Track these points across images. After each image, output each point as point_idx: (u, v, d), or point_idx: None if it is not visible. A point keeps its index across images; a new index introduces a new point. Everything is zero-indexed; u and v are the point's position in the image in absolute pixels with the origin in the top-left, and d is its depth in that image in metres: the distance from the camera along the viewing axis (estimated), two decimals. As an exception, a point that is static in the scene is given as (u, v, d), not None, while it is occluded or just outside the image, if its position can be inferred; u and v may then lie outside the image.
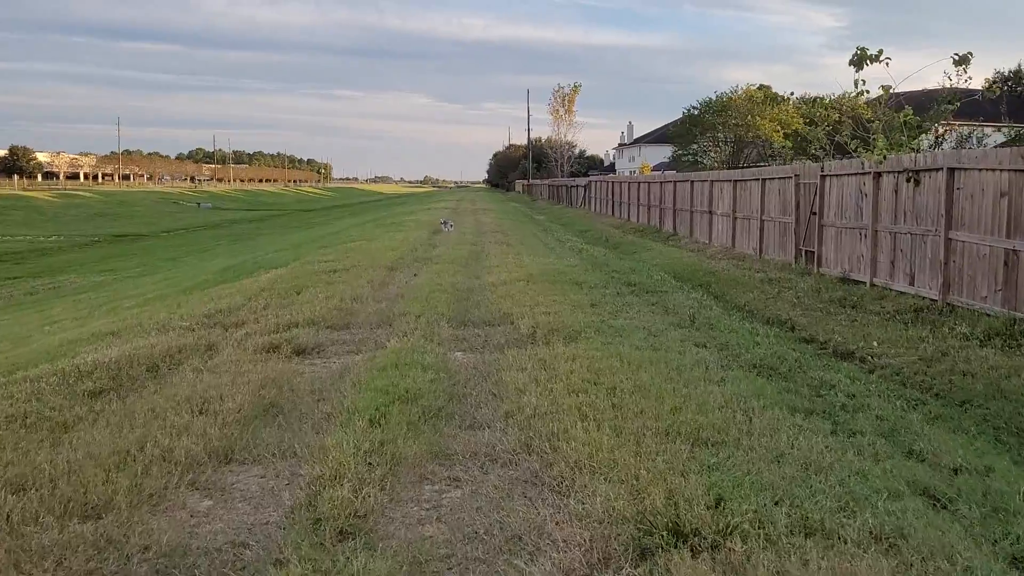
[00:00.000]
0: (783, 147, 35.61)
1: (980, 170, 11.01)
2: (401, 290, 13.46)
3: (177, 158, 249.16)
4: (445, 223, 30.89)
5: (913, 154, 12.94)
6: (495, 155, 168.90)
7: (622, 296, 13.06)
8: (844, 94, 17.80)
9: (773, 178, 18.74)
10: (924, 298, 12.22)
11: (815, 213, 16.27)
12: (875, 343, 10.21)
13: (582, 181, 56.68)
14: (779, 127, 45.15)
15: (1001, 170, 10.56)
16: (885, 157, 13.50)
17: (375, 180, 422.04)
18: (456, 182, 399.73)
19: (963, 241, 11.38)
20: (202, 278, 21.15)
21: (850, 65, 15.38)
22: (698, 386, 6.77)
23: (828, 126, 22.17)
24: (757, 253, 19.36)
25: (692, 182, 25.77)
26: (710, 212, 23.54)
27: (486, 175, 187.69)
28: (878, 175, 13.83)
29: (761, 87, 46.99)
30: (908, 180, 12.76)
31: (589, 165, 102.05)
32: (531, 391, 6.53)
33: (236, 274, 19.34)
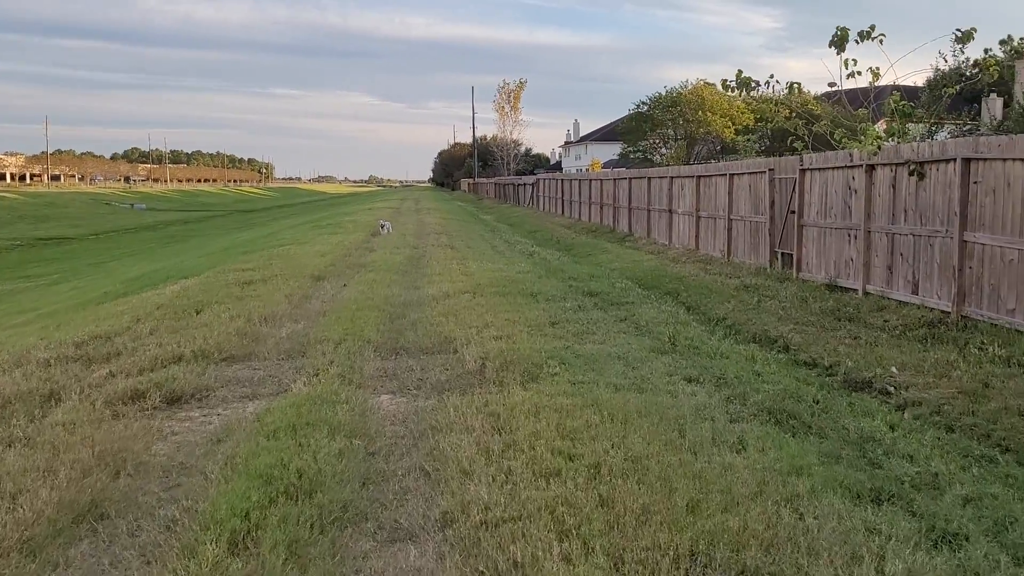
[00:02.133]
0: (737, 141, 34.19)
1: (1005, 160, 9.37)
2: (325, 306, 11.37)
3: (112, 158, 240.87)
4: (383, 225, 28.71)
5: (915, 143, 11.31)
6: (440, 154, 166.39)
7: (585, 310, 11.16)
8: (791, 89, 16.17)
9: (743, 173, 17.06)
10: (932, 310, 10.56)
11: (794, 211, 14.60)
12: (894, 368, 8.46)
13: (529, 179, 54.83)
14: (730, 123, 44.03)
15: (1033, 160, 8.93)
16: (880, 147, 11.84)
17: (319, 180, 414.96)
18: (402, 181, 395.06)
19: (983, 244, 9.74)
20: (107, 289, 18.72)
21: (830, 47, 13.72)
22: (712, 456, 4.87)
23: (777, 124, 20.46)
24: (725, 256, 17.67)
25: (649, 179, 24.05)
26: (670, 211, 21.83)
27: (431, 174, 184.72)
28: (871, 168, 12.17)
29: (707, 85, 45.77)
30: (911, 173, 11.10)
31: (535, 163, 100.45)
32: (480, 473, 4.56)
33: (143, 285, 17.00)
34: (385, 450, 5.17)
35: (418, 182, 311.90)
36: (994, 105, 30.24)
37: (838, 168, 13.20)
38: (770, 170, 15.62)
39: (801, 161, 14.37)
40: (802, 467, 4.77)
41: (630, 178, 26.26)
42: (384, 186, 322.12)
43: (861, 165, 12.34)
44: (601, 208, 30.45)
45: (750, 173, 16.68)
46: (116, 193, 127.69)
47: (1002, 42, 35.11)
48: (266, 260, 17.53)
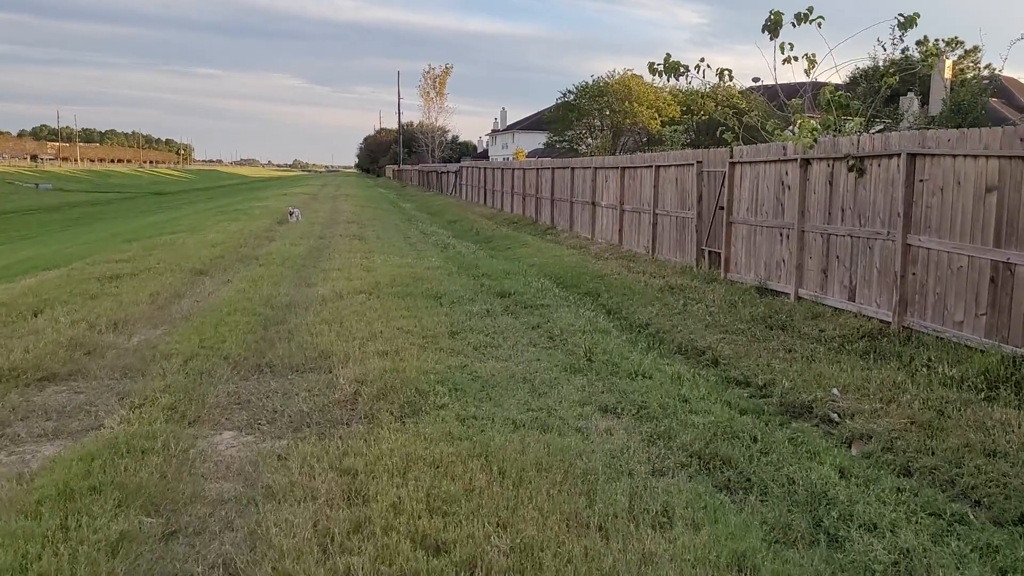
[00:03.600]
0: (663, 133, 33.38)
1: (955, 156, 8.46)
2: (196, 307, 9.86)
3: (19, 135, 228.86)
4: (292, 212, 26.96)
5: (855, 136, 10.37)
6: (366, 139, 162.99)
7: (494, 316, 9.91)
8: (722, 76, 15.15)
9: (669, 165, 16.04)
10: (871, 319, 9.65)
11: (722, 208, 13.62)
12: (835, 390, 7.45)
13: (453, 167, 53.30)
14: (656, 114, 43.38)
15: (988, 156, 8.02)
16: (816, 140, 10.88)
17: (241, 163, 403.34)
18: (327, 167, 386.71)
19: (928, 248, 8.84)
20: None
21: (763, 31, 12.72)
22: (628, 539, 3.68)
23: (704, 116, 19.48)
24: (649, 252, 16.65)
25: (573, 169, 22.93)
26: (593, 203, 20.74)
27: (356, 160, 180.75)
28: (806, 162, 11.22)
29: (634, 76, 45.07)
30: (850, 169, 10.17)
31: (462, 151, 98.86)
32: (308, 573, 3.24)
33: (1, 277, 15.06)
34: (191, 529, 3.81)
35: (344, 168, 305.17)
36: (912, 104, 30.10)
37: (770, 162, 12.24)
38: (698, 163, 14.62)
39: (731, 154, 13.38)
40: (746, 554, 3.60)
41: (553, 168, 25.11)
42: (309, 171, 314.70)
43: (795, 159, 11.38)
44: (524, 199, 29.27)
45: (677, 165, 15.67)
46: (20, 172, 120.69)
47: (919, 42, 35.09)
48: (147, 250, 15.77)
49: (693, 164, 14.70)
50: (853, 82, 31.02)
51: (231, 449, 5.06)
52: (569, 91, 48.73)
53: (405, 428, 5.11)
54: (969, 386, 7.21)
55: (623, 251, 17.87)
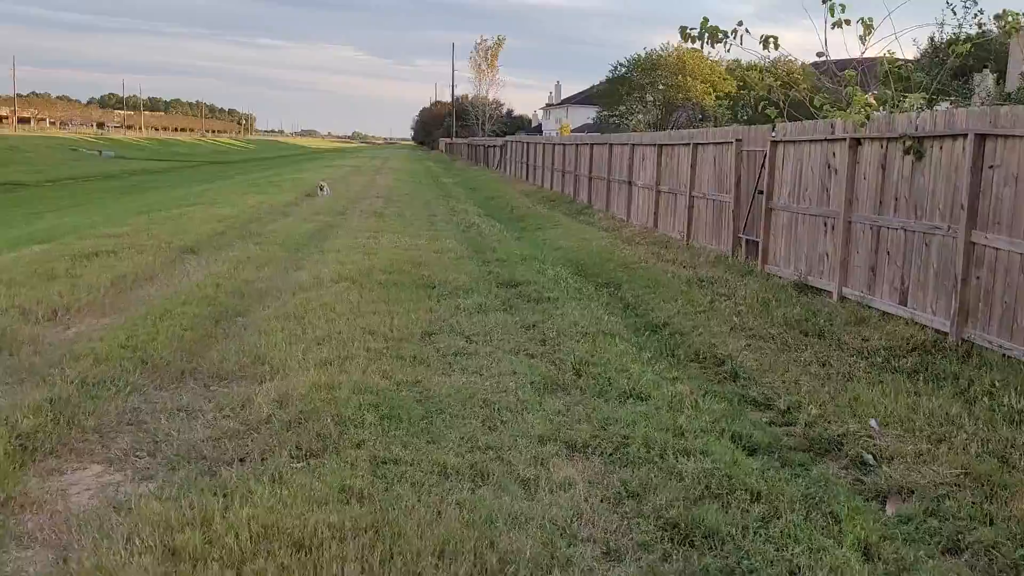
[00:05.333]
0: (716, 108, 31.61)
1: (1035, 139, 6.98)
2: (156, 294, 8.90)
3: (87, 104, 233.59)
4: (322, 186, 26.09)
5: (914, 113, 8.90)
6: (421, 112, 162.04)
7: (486, 312, 8.74)
8: (767, 44, 13.46)
9: (708, 143, 14.59)
10: (925, 328, 8.23)
11: (762, 192, 12.17)
12: (873, 421, 6.13)
13: (499, 141, 51.97)
14: (711, 89, 41.43)
15: (1077, 140, 6.54)
16: (868, 117, 9.41)
17: (301, 134, 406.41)
18: (386, 139, 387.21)
19: (996, 248, 7.38)
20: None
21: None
22: None
23: (763, 92, 17.87)
24: (684, 238, 15.26)
25: (611, 145, 21.51)
26: (629, 183, 19.34)
27: (412, 133, 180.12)
28: (856, 142, 9.75)
29: (690, 49, 42.95)
30: (906, 151, 8.69)
31: (517, 126, 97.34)
32: None
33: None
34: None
35: (402, 140, 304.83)
36: (987, 81, 27.78)
37: (816, 141, 10.77)
38: (737, 140, 13.17)
39: (773, 131, 11.92)
40: None
41: (592, 144, 23.72)
42: (367, 143, 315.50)
43: (844, 139, 9.92)
44: (563, 176, 27.93)
45: (715, 144, 14.22)
46: (85, 140, 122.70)
47: (997, 17, 32.32)
48: (148, 224, 14.94)
49: (732, 142, 13.26)
50: (935, 49, 28.71)
51: (80, 495, 4.02)
52: (621, 64, 47.00)
53: (286, 481, 3.98)
54: (1042, 424, 5.82)
55: (656, 236, 16.50)
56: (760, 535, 4.02)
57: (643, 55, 44.43)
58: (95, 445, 4.64)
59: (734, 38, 10.86)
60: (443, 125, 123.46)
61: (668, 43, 45.25)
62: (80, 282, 9.00)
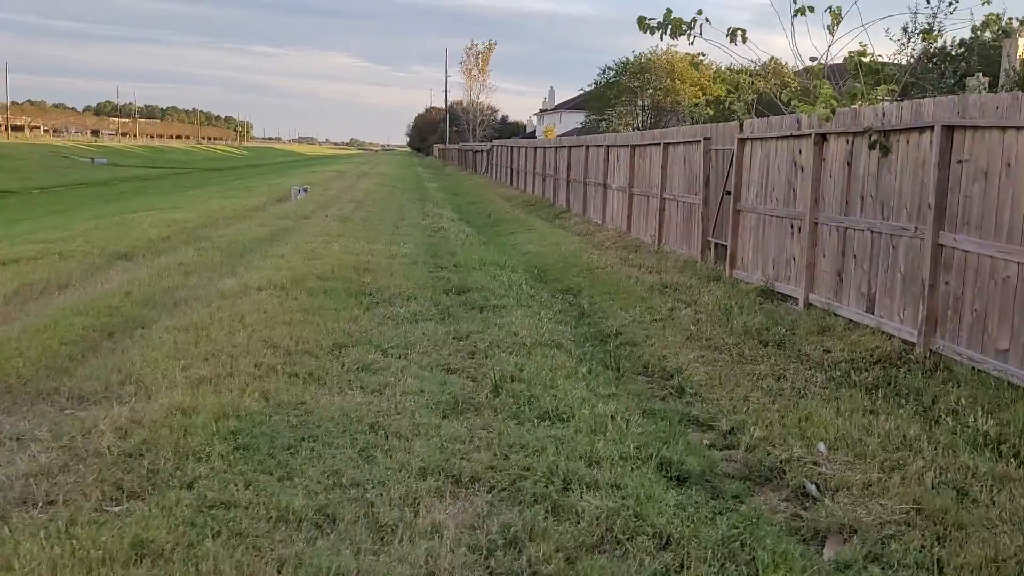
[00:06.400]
0: (693, 109, 30.92)
1: (1004, 129, 6.30)
2: (61, 304, 8.20)
3: (84, 111, 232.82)
4: (298, 190, 25.44)
5: (880, 105, 8.23)
6: (416, 118, 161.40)
7: (418, 321, 8.06)
8: (734, 37, 12.80)
9: (678, 143, 13.91)
10: (892, 337, 7.54)
11: (729, 192, 11.50)
12: (821, 445, 5.44)
13: (486, 146, 51.33)
14: (700, 93, 40.80)
15: (1051, 129, 5.86)
16: (834, 111, 8.73)
17: (299, 140, 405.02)
18: (383, 145, 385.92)
19: (966, 251, 6.70)
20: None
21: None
22: None
23: (754, 95, 17.19)
24: (655, 242, 14.57)
25: (587, 147, 20.83)
26: (605, 185, 18.66)
27: (407, 139, 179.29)
28: (822, 138, 9.08)
29: (679, 52, 42.28)
30: (872, 146, 8.01)
31: (512, 131, 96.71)
32: None
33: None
34: None
35: (399, 146, 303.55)
36: (979, 84, 27.10)
37: (783, 138, 10.10)
38: (706, 139, 12.50)
39: (740, 128, 11.24)
40: None
41: (570, 147, 23.05)
42: (364, 149, 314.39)
43: (810, 134, 9.25)
44: (543, 180, 27.27)
45: (685, 143, 13.55)
46: (77, 147, 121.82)
47: (984, 24, 31.56)
48: (90, 229, 14.26)
49: (700, 141, 12.59)
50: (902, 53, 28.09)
51: None
52: (609, 68, 46.32)
53: (73, 535, 3.28)
54: (1009, 450, 5.14)
55: (629, 240, 15.83)
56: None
57: (631, 59, 43.80)
58: None
59: (694, 28, 10.21)
60: (438, 131, 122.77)
61: (657, 46, 44.61)
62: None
